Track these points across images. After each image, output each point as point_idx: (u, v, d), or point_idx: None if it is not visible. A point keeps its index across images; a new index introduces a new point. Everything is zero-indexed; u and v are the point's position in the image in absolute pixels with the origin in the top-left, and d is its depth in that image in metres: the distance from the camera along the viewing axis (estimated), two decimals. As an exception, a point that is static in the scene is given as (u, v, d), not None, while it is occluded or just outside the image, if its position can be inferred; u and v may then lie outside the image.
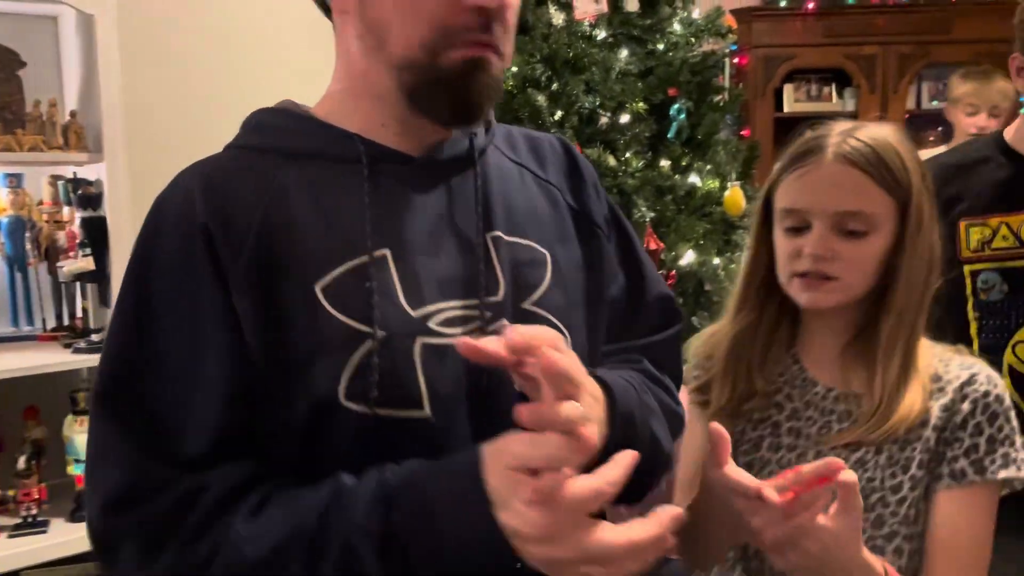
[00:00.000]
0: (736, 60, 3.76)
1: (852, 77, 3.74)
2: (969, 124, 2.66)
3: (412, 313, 0.70)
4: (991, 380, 0.94)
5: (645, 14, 2.27)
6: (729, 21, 3.83)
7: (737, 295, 1.03)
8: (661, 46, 2.24)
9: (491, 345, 0.60)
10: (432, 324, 0.71)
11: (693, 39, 2.33)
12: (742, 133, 3.79)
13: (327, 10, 0.78)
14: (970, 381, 0.94)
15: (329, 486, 0.65)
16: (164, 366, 0.68)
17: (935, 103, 3.87)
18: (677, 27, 2.25)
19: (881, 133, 0.94)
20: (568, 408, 0.59)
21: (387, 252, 0.71)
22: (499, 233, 0.76)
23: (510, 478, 0.60)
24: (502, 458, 0.61)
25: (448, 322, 0.71)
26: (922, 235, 0.94)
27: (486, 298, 0.73)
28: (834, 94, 3.87)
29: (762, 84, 3.74)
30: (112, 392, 0.69)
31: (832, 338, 0.99)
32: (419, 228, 0.73)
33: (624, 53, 2.21)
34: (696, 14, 2.37)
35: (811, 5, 3.65)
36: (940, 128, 4.01)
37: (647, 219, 2.06)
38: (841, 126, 0.96)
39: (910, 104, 3.82)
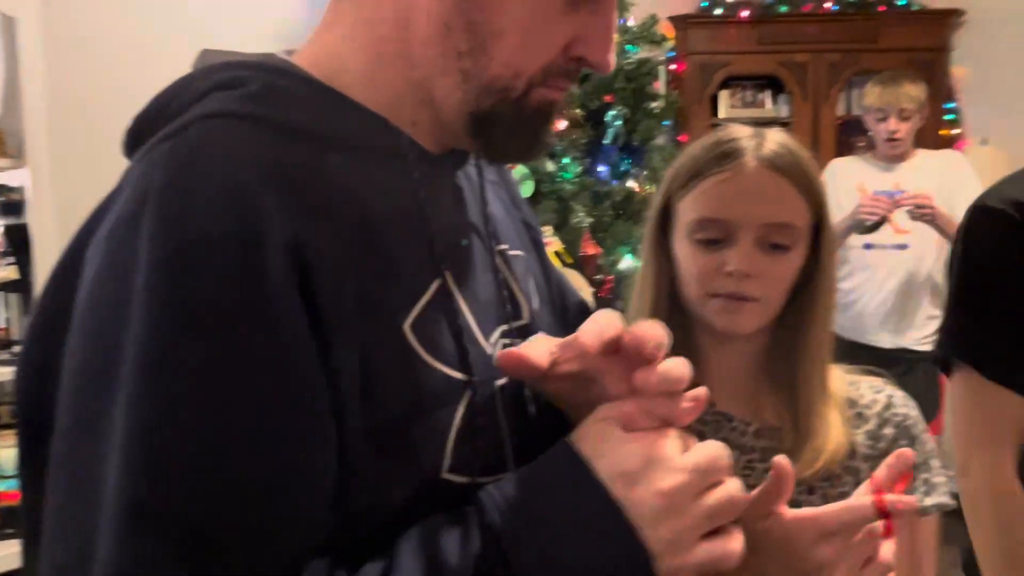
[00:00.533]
0: (673, 67, 3.83)
1: (785, 84, 3.83)
2: (881, 130, 2.71)
3: (487, 348, 0.59)
4: (906, 402, 0.91)
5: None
6: (666, 28, 3.91)
7: (637, 317, 0.89)
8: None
9: (535, 351, 0.52)
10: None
11: (628, 46, 2.37)
12: (679, 139, 3.88)
13: None
14: (889, 405, 0.89)
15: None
16: (248, 460, 0.47)
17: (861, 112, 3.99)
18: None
19: (789, 140, 0.88)
20: (670, 365, 0.52)
21: (449, 273, 0.58)
22: (505, 246, 0.67)
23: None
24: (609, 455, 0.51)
25: None
26: (835, 250, 0.90)
27: (514, 322, 0.64)
28: (768, 101, 3.96)
29: (699, 90, 3.80)
30: (159, 503, 0.46)
31: (743, 366, 0.90)
32: (458, 240, 0.62)
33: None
34: (632, 21, 2.40)
35: (745, 13, 3.72)
36: (871, 135, 4.14)
37: (585, 224, 2.09)
38: (748, 130, 0.88)
39: (840, 111, 3.92)
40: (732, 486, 0.53)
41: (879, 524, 0.63)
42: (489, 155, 0.64)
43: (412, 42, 0.58)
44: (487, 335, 0.60)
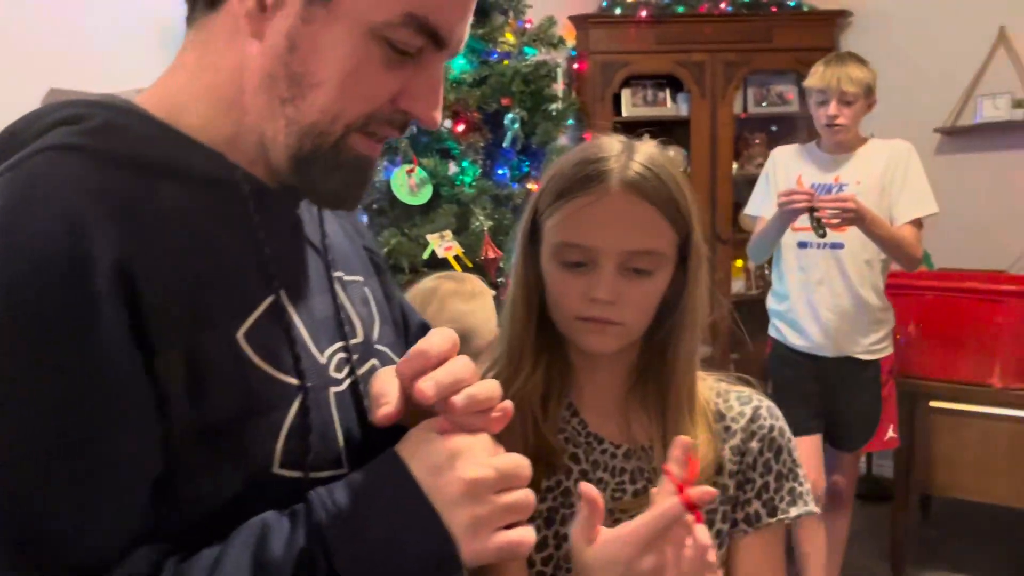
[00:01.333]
0: (575, 66, 3.86)
1: (684, 83, 3.91)
2: (820, 115, 2.44)
3: (321, 359, 0.66)
4: (772, 412, 0.92)
5: (478, 23, 2.29)
6: (567, 27, 3.93)
7: (511, 335, 0.90)
8: (496, 55, 2.27)
9: (427, 391, 0.60)
10: (331, 371, 0.67)
11: (527, 49, 2.37)
12: (584, 137, 3.91)
13: None
14: (755, 417, 0.90)
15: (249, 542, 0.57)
16: (61, 456, 0.53)
17: (761, 107, 4.10)
18: (510, 36, 2.28)
19: (658, 156, 0.87)
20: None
21: (283, 290, 0.64)
22: (341, 272, 0.74)
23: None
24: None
25: (338, 366, 0.68)
26: (703, 267, 0.89)
27: (351, 340, 0.70)
28: (669, 99, 4.04)
29: (600, 89, 3.85)
30: None
31: (612, 384, 0.91)
32: (294, 264, 0.68)
33: (460, 62, 2.22)
34: (529, 24, 2.40)
35: (644, 13, 3.78)
36: (770, 130, 4.27)
37: (485, 228, 2.08)
38: (617, 145, 0.87)
39: (737, 109, 4.03)
40: (529, 494, 0.61)
41: (689, 518, 0.67)
42: (310, 196, 0.68)
43: (245, 91, 0.64)
44: (321, 348, 0.66)
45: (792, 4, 3.99)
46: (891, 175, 2.40)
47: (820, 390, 2.50)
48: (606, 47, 3.84)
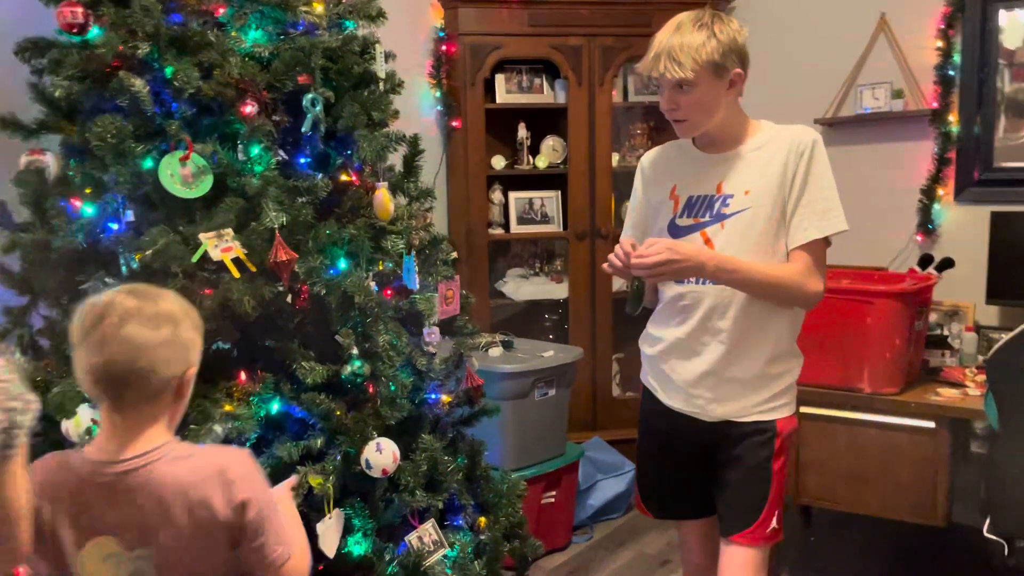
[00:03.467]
0: (443, 48, 3.59)
1: (560, 69, 3.68)
2: (662, 109, 1.82)
3: None
4: None
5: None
6: (435, 6, 3.66)
7: None
8: (301, 27, 1.98)
9: None
10: None
11: (346, 22, 2.09)
12: (453, 123, 3.65)
13: None
14: None
15: None
16: None
17: (643, 96, 3.91)
18: (318, 6, 1.99)
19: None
20: None
21: None
22: None
23: None
24: None
25: None
26: None
27: None
28: (545, 86, 3.81)
29: (471, 74, 3.59)
30: None
31: None
32: None
33: (254, 34, 1.93)
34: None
35: (515, -7, 3.54)
36: (651, 123, 4.08)
37: (276, 225, 1.80)
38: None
39: (617, 98, 3.82)
40: None
41: None
42: None
43: None
44: None
45: (672, -13, 3.79)
46: (790, 180, 1.76)
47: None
48: (476, 28, 3.58)
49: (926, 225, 3.38)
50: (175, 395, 1.23)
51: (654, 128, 4.00)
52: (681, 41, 1.71)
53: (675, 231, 1.86)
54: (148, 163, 1.76)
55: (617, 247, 1.74)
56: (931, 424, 2.63)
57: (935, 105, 3.31)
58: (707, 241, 1.81)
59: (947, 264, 3.04)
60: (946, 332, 3.09)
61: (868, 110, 3.44)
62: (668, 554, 3.17)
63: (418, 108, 3.58)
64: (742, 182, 1.79)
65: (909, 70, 3.38)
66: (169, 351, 1.17)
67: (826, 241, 1.81)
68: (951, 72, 3.29)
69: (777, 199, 1.77)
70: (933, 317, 3.08)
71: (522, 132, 3.79)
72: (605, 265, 1.77)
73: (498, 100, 3.74)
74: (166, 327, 1.17)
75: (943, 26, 3.28)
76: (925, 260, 3.09)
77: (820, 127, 3.50)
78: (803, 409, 2.82)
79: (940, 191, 3.36)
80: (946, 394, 2.67)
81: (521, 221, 3.86)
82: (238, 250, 1.75)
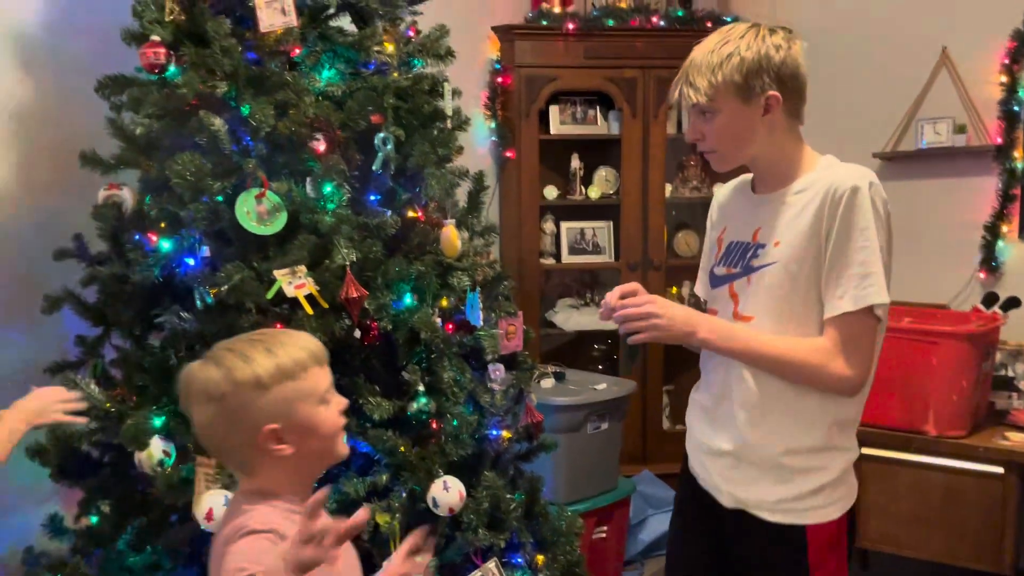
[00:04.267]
0: (499, 79, 3.62)
1: (615, 100, 3.69)
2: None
3: None
4: None
5: (355, 31, 2.04)
6: (491, 39, 3.70)
7: None
8: (372, 67, 2.01)
9: None
10: None
11: (414, 60, 2.11)
12: (507, 154, 3.67)
13: None
14: None
15: None
16: None
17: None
18: (389, 46, 2.02)
19: None
20: None
21: None
22: None
23: None
24: None
25: None
26: None
27: None
28: (599, 117, 3.82)
29: (526, 105, 3.61)
30: None
31: None
32: None
33: (327, 73, 1.96)
34: (412, 32, 2.15)
35: (571, 26, 3.56)
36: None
37: (348, 262, 1.81)
38: None
39: (671, 129, 3.81)
40: None
41: None
42: None
43: None
44: None
45: (728, 20, 3.78)
46: (824, 235, 1.46)
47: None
48: (532, 60, 3.60)
49: (989, 262, 3.31)
50: None
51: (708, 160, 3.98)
52: (700, 60, 1.49)
53: (713, 280, 1.65)
54: (224, 200, 1.79)
55: (609, 293, 1.54)
56: (1000, 469, 2.57)
57: (999, 140, 3.26)
58: (733, 295, 1.57)
59: (1013, 304, 2.97)
60: (1011, 373, 3.02)
61: (928, 145, 3.39)
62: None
63: (472, 139, 3.61)
64: (776, 231, 1.52)
65: (972, 105, 3.33)
66: None
67: (871, 314, 1.45)
68: (1015, 107, 3.23)
69: (807, 256, 1.47)
70: (998, 357, 3.01)
71: (575, 162, 3.80)
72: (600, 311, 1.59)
73: (552, 131, 3.75)
74: None
75: (1007, 61, 3.23)
76: (989, 299, 3.02)
77: (879, 161, 3.46)
78: (865, 450, 2.75)
79: (1004, 228, 3.29)
80: (1015, 438, 2.60)
81: (572, 251, 3.86)
82: (311, 286, 1.77)
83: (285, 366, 1.16)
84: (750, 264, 1.54)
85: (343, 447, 1.25)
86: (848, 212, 1.43)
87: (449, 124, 2.14)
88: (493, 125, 3.65)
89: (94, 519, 2.00)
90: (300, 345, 1.20)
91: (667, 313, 1.49)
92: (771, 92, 1.48)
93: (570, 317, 3.89)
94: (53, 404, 1.72)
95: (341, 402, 1.25)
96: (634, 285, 1.55)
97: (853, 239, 1.43)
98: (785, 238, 1.50)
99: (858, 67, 3.59)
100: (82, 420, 1.78)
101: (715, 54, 1.48)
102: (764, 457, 1.54)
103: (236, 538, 1.11)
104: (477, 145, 3.64)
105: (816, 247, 1.46)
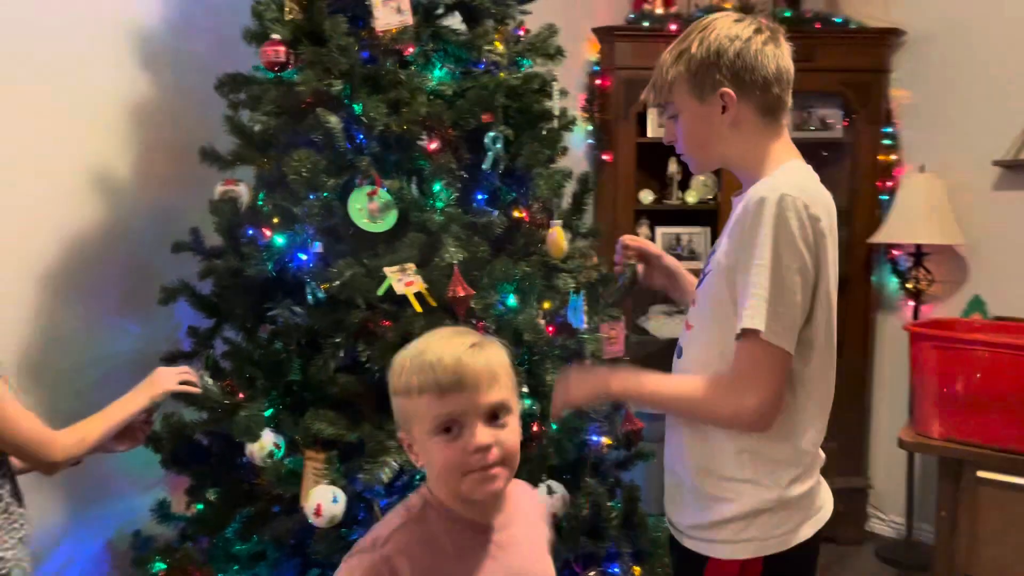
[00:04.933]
0: (598, 81, 3.59)
1: (716, 103, 3.60)
2: None
3: None
4: None
5: (466, 30, 2.04)
6: (591, 40, 3.66)
7: None
8: (483, 66, 2.00)
9: None
10: None
11: (522, 60, 2.10)
12: (604, 157, 3.63)
13: None
14: None
15: None
16: None
17: (802, 132, 3.77)
18: (499, 45, 2.01)
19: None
20: None
21: None
22: None
23: None
24: None
25: None
26: None
27: None
28: (699, 120, 3.73)
29: (624, 107, 3.56)
30: None
31: None
32: None
33: (439, 72, 1.96)
34: (522, 31, 2.14)
35: (674, 27, 3.49)
36: (812, 158, 3.91)
37: (455, 261, 1.81)
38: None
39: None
40: None
41: None
42: None
43: None
44: None
45: (838, 21, 3.67)
46: (735, 246, 1.34)
47: None
48: (632, 62, 3.55)
49: (1119, 278, 3.10)
50: None
51: (813, 166, 3.85)
52: (662, 58, 1.42)
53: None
54: (337, 197, 1.81)
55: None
56: None
57: None
58: (692, 303, 1.50)
59: None
60: None
61: (1054, 152, 3.19)
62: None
63: (569, 141, 3.58)
64: (720, 238, 1.42)
65: (1103, 110, 3.13)
66: None
67: (759, 339, 1.27)
68: None
69: (734, 264, 1.32)
70: None
71: (672, 167, 3.73)
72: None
73: (649, 134, 3.69)
74: None
75: None
76: (1122, 317, 2.83)
77: (999, 169, 3.28)
78: (981, 474, 2.62)
79: None
80: None
81: (667, 257, 3.78)
82: (420, 284, 1.77)
83: (402, 381, 1.08)
84: (703, 277, 1.46)
85: (471, 488, 1.05)
86: (753, 225, 1.28)
87: (556, 124, 2.12)
88: (590, 127, 3.62)
89: (200, 506, 2.05)
90: (443, 367, 1.04)
91: (576, 375, 1.50)
92: (723, 89, 1.37)
93: (663, 324, 3.81)
94: (173, 376, 1.79)
95: (471, 442, 1.03)
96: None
97: (751, 255, 1.29)
98: (720, 246, 1.39)
99: (978, 70, 3.42)
100: (195, 390, 1.83)
101: (672, 51, 1.41)
102: (683, 475, 1.45)
103: (355, 551, 1.07)
104: (574, 148, 3.60)
105: (736, 258, 1.33)
